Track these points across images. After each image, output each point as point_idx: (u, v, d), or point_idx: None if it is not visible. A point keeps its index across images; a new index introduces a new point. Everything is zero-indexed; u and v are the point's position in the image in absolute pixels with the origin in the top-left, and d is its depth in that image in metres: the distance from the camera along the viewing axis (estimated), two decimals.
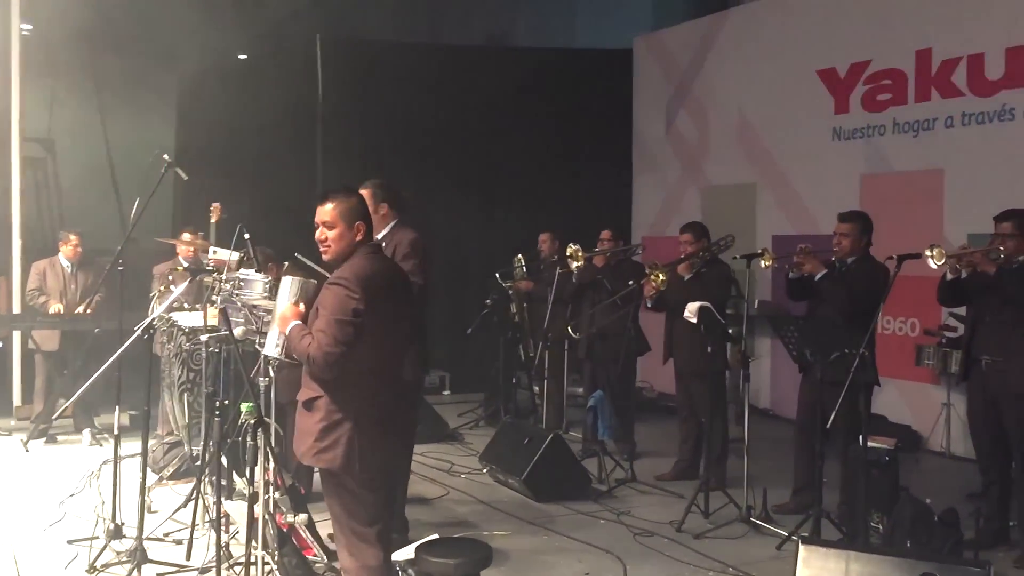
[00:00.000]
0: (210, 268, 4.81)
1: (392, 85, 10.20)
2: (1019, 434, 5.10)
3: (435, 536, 4.74)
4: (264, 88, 9.84)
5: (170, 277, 6.45)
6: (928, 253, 5.06)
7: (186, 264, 6.88)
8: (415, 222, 5.28)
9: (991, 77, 7.39)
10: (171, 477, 5.98)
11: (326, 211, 3.55)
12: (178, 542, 5.02)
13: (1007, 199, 6.17)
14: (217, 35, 9.69)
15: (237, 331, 3.87)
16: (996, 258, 5.09)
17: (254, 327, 4.07)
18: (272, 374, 4.56)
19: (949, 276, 5.24)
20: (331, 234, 3.55)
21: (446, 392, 10.03)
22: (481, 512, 5.98)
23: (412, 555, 4.21)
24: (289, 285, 3.67)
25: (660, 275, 6.21)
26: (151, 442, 5.53)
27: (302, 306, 3.62)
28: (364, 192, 4.71)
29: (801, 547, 4.01)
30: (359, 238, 3.57)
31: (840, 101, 8.64)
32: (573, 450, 6.60)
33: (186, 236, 7.07)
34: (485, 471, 6.74)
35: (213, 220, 6.67)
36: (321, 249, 3.62)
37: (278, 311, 3.68)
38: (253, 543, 3.96)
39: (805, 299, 5.83)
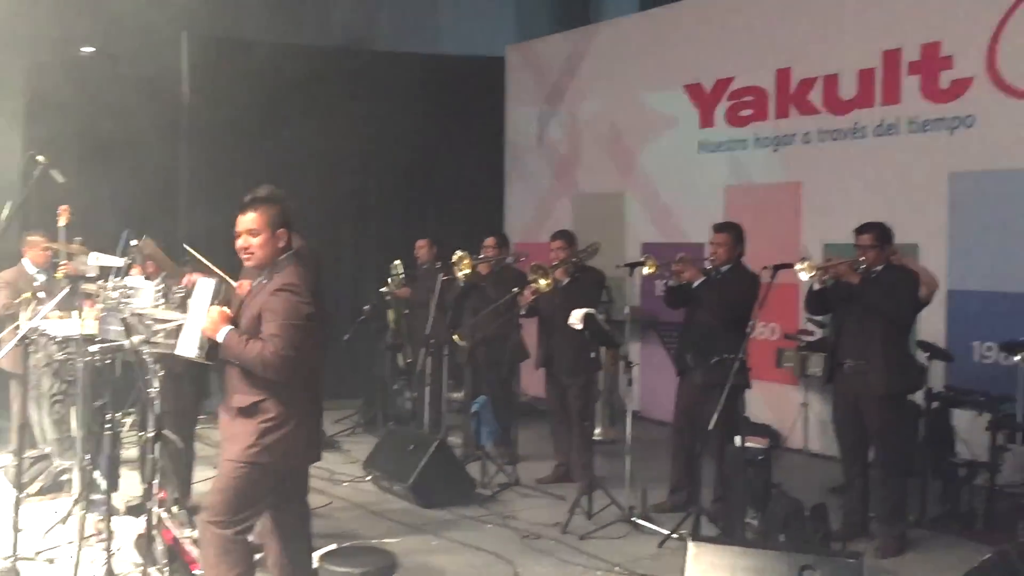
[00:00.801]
0: (91, 276, 4.60)
1: (257, 83, 9.92)
2: (878, 433, 5.47)
3: (333, 546, 4.68)
4: (123, 84, 9.41)
5: (37, 284, 6.10)
6: (798, 265, 5.37)
7: (36, 270, 6.54)
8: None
9: (844, 97, 7.89)
10: (38, 493, 5.66)
11: (250, 219, 3.66)
12: (50, 561, 4.77)
13: (859, 211, 6.62)
14: (69, 26, 9.20)
15: (135, 339, 3.76)
16: (859, 269, 5.45)
17: (143, 336, 3.93)
18: (157, 385, 4.40)
19: (816, 287, 5.56)
20: (255, 241, 3.66)
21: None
22: (367, 520, 5.94)
23: (316, 564, 4.16)
24: (210, 288, 3.70)
25: (543, 279, 6.32)
26: (10, 457, 5.23)
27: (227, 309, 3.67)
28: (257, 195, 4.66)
29: (690, 544, 4.18)
30: (282, 244, 3.69)
31: (705, 115, 9.02)
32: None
33: (34, 238, 6.69)
34: (369, 478, 6.69)
35: (62, 223, 6.34)
36: (244, 256, 3.70)
37: (198, 314, 3.68)
38: (141, 559, 3.84)
39: (683, 306, 6.07)
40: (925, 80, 7.34)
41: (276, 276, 3.65)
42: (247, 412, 3.65)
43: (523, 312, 6.70)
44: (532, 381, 8.94)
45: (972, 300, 7.00)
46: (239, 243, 3.69)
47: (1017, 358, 6.04)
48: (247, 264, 3.73)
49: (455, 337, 7.05)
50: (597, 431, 7.87)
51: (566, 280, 6.59)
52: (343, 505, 6.22)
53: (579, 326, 5.95)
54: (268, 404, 3.64)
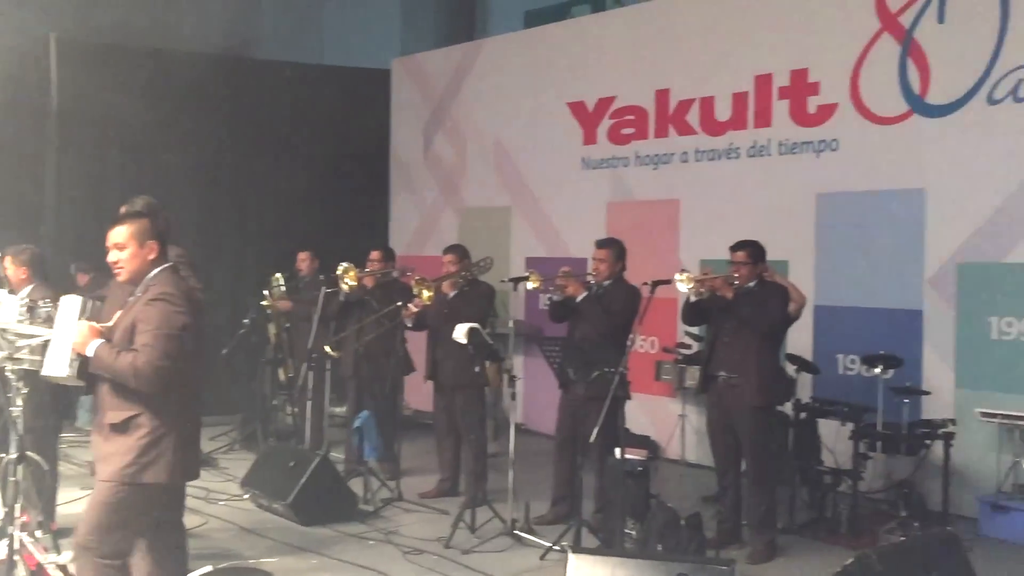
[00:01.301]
0: None
1: (133, 90, 9.60)
2: (750, 443, 5.68)
3: (209, 568, 4.55)
4: None
5: None
6: (678, 277, 5.54)
7: None
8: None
9: (720, 118, 8.19)
10: None
11: (118, 233, 3.64)
12: None
13: (734, 229, 6.87)
14: None
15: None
16: (733, 283, 5.66)
17: (6, 352, 3.77)
18: (20, 404, 4.21)
19: (693, 299, 5.74)
20: (123, 255, 3.63)
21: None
22: (245, 539, 5.80)
23: None
24: (77, 304, 3.62)
25: (426, 291, 6.33)
26: None
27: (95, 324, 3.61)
28: (126, 209, 4.57)
29: (571, 556, 4.24)
30: (151, 257, 3.66)
31: (588, 132, 9.21)
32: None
33: None
34: (246, 496, 6.54)
35: None
36: (115, 271, 3.68)
37: (66, 331, 3.58)
38: None
39: (566, 320, 6.17)
40: (794, 105, 7.69)
41: (151, 287, 3.62)
42: (120, 428, 3.57)
43: (410, 325, 6.68)
44: (416, 395, 8.92)
45: (837, 315, 7.35)
46: (109, 257, 3.69)
47: (877, 370, 6.38)
48: (119, 279, 3.71)
49: (326, 348, 6.97)
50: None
51: (453, 293, 6.60)
52: (220, 525, 6.05)
53: (463, 340, 5.97)
54: (143, 419, 3.56)
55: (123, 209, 4.33)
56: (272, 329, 8.42)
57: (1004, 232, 6.52)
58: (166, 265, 3.71)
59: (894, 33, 7.10)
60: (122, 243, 3.65)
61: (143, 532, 3.71)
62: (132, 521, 3.64)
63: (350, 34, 12.65)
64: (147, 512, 3.66)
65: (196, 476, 3.91)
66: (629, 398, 5.85)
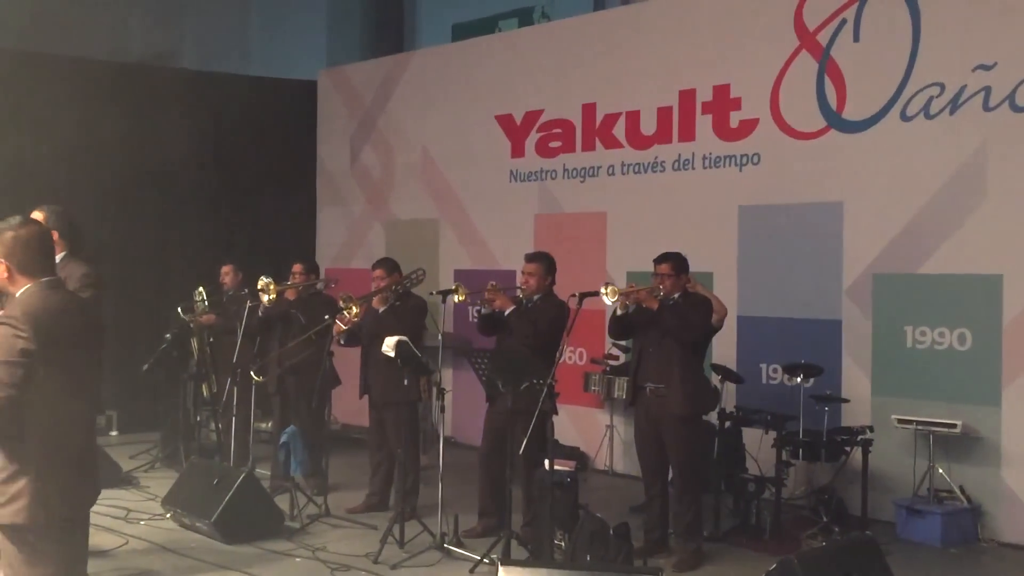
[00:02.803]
0: None
1: (48, 99, 9.33)
2: (676, 452, 5.75)
3: None
4: None
5: None
6: (603, 290, 5.59)
7: None
8: (88, 255, 4.98)
9: (645, 132, 8.32)
10: None
11: None
12: None
13: (659, 241, 6.98)
14: None
15: None
16: (657, 295, 5.73)
17: None
18: None
19: (619, 312, 5.79)
20: None
21: (114, 433, 9.41)
22: (167, 560, 5.65)
23: None
24: None
25: (354, 307, 6.27)
26: None
27: None
28: (39, 216, 4.40)
29: (500, 569, 4.22)
30: (4, 276, 3.34)
31: (516, 145, 9.26)
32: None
33: None
34: (169, 516, 6.37)
35: None
36: None
37: None
38: None
39: (495, 334, 6.17)
40: (716, 120, 7.85)
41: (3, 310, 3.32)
42: None
43: (342, 342, 6.60)
44: (345, 409, 8.82)
45: (759, 325, 7.51)
46: None
47: (798, 379, 6.53)
48: None
49: (252, 374, 6.84)
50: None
51: (383, 308, 6.54)
52: (140, 545, 5.88)
53: (391, 353, 5.93)
54: None
55: (35, 216, 4.10)
56: (195, 344, 8.24)
57: (918, 244, 6.75)
58: (42, 280, 3.36)
59: (812, 51, 7.30)
60: None
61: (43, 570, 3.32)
62: (18, 563, 3.29)
63: (276, 45, 12.52)
64: (12, 556, 3.29)
65: (76, 515, 3.46)
66: (556, 413, 5.86)
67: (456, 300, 6.16)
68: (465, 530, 6.05)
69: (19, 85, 9.13)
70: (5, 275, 3.34)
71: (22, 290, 3.33)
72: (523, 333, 5.94)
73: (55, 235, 4.59)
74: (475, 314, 6.27)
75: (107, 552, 5.68)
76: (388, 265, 6.74)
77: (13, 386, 3.14)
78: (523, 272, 6.19)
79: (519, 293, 6.15)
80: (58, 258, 4.62)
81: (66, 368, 3.31)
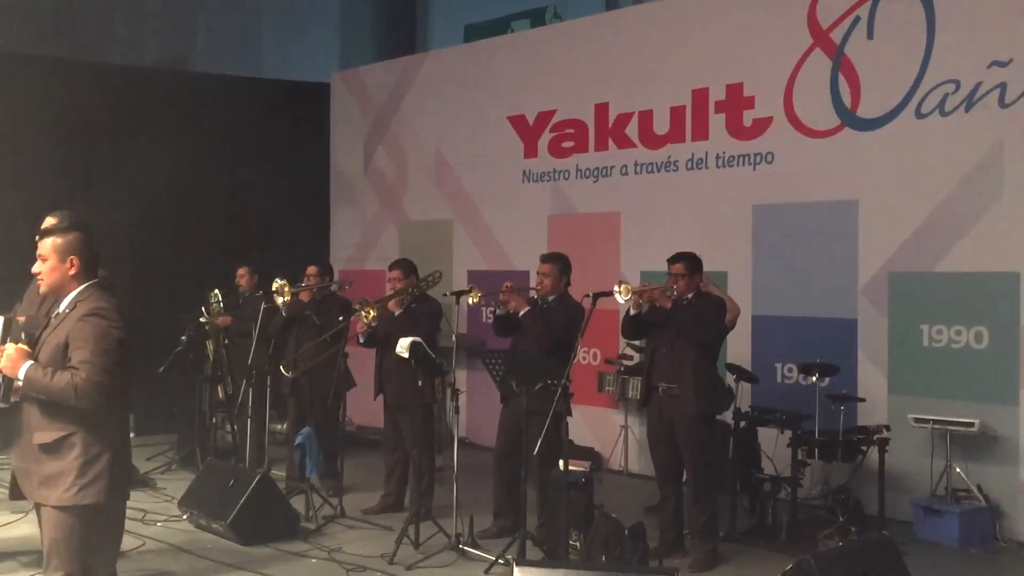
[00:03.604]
0: None
1: (63, 104, 9.39)
2: (690, 452, 5.73)
3: None
4: None
5: None
6: (616, 289, 5.58)
7: None
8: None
9: (658, 132, 8.30)
10: None
11: (42, 245, 3.65)
12: None
13: (673, 240, 6.97)
14: None
15: None
16: (671, 295, 5.72)
17: None
18: None
19: (632, 311, 5.78)
20: (45, 267, 3.63)
21: (131, 434, 9.38)
22: (184, 561, 5.69)
23: None
24: None
25: (371, 311, 6.28)
26: None
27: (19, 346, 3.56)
28: (53, 220, 4.49)
29: (516, 569, 4.23)
30: (72, 272, 3.63)
31: (529, 146, 9.26)
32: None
33: None
34: (185, 517, 6.41)
35: None
36: (38, 282, 3.71)
37: None
38: None
39: (510, 335, 6.17)
40: (730, 118, 7.82)
41: (80, 304, 3.58)
42: (51, 449, 3.50)
43: (362, 341, 6.61)
44: (360, 411, 8.85)
45: (774, 324, 7.48)
46: (34, 268, 3.70)
47: (814, 378, 6.50)
48: (41, 291, 3.74)
49: (281, 368, 6.88)
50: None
51: (399, 311, 6.55)
52: (157, 546, 5.92)
53: (406, 354, 5.94)
54: (75, 439, 3.50)
55: (48, 221, 4.28)
56: (210, 346, 8.28)
57: (934, 242, 6.70)
58: (93, 281, 3.66)
59: (825, 49, 7.27)
60: (45, 255, 3.65)
61: (93, 555, 3.61)
62: (99, 544, 3.60)
63: (289, 47, 12.56)
64: (92, 534, 3.57)
65: (127, 496, 3.81)
66: (570, 414, 5.86)
67: (471, 302, 6.17)
68: (480, 531, 6.05)
69: (32, 90, 9.20)
70: (73, 272, 3.63)
71: (81, 288, 3.62)
72: (538, 334, 5.93)
73: None
74: (489, 315, 6.26)
75: (124, 553, 5.68)
76: (405, 267, 6.75)
77: (108, 372, 3.46)
78: (538, 273, 6.18)
79: (534, 294, 6.15)
80: None
81: (129, 360, 3.63)
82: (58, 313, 3.63)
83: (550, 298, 6.09)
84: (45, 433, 3.51)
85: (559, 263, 6.18)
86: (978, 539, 6.18)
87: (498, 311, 6.15)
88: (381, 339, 6.53)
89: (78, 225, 3.74)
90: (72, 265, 3.62)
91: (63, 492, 3.49)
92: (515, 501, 6.02)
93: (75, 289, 3.63)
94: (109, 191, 9.53)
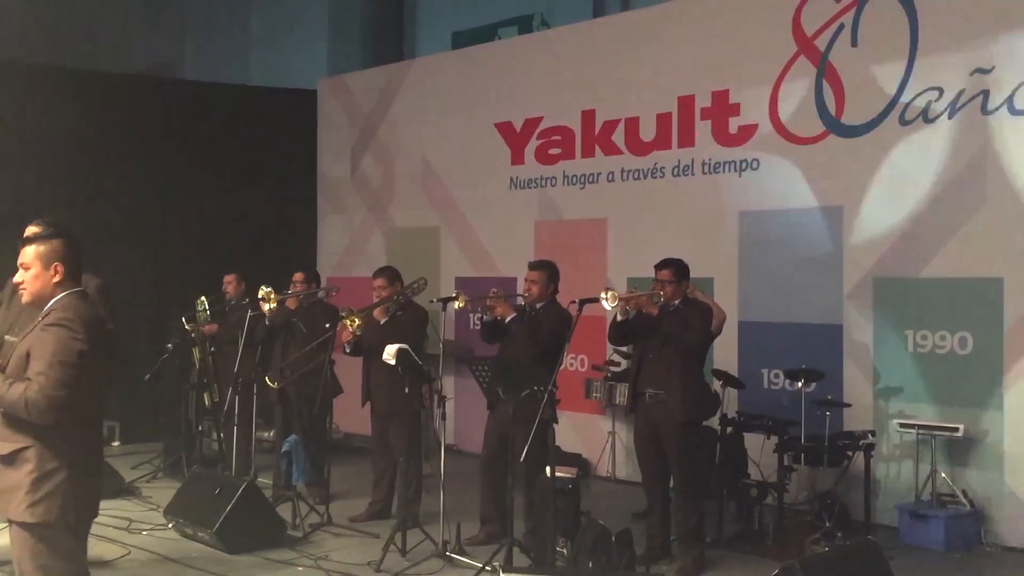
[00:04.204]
0: None
1: (49, 111, 9.36)
2: (677, 458, 5.74)
3: None
4: None
5: None
6: (603, 296, 5.59)
7: None
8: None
9: (645, 139, 8.32)
10: None
11: (25, 253, 3.53)
12: None
13: (660, 247, 6.98)
14: None
15: None
16: (658, 301, 5.74)
17: None
18: None
19: (619, 317, 5.80)
20: (27, 276, 3.51)
21: (116, 443, 9.42)
22: (169, 570, 5.66)
23: None
24: None
25: (356, 320, 6.27)
26: None
27: None
28: (35, 230, 4.44)
29: None
30: (56, 280, 3.52)
31: (516, 153, 9.27)
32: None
33: None
34: (171, 526, 6.37)
35: None
36: (20, 292, 3.59)
37: None
38: None
39: (497, 341, 6.17)
40: (716, 125, 7.86)
41: (52, 312, 3.46)
42: (8, 461, 3.37)
43: (348, 350, 6.60)
44: (347, 418, 8.83)
45: (761, 330, 7.50)
46: (16, 277, 3.58)
47: (800, 384, 6.53)
48: (24, 301, 3.61)
49: (267, 380, 6.85)
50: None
51: (384, 319, 6.54)
52: (142, 556, 5.88)
53: (392, 362, 5.94)
54: (32, 452, 3.35)
55: (31, 229, 4.17)
56: (196, 353, 8.25)
57: (918, 248, 6.74)
58: (73, 290, 3.53)
59: (810, 56, 7.31)
60: (27, 263, 3.52)
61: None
62: (37, 563, 3.39)
63: (276, 54, 12.56)
64: (41, 554, 3.40)
65: (94, 515, 3.63)
66: (556, 422, 5.85)
67: (456, 307, 6.17)
68: (467, 538, 6.04)
69: (20, 97, 9.17)
70: (57, 279, 3.51)
71: (60, 296, 3.50)
72: (524, 341, 5.94)
73: None
74: (476, 321, 6.27)
75: (109, 562, 5.69)
76: (389, 274, 6.74)
77: (67, 386, 3.31)
78: (526, 280, 6.19)
79: (521, 300, 6.16)
80: None
81: (95, 374, 3.48)
82: (36, 321, 3.52)
83: (538, 305, 6.10)
84: (3, 444, 3.38)
85: (547, 270, 6.19)
86: (963, 544, 6.21)
87: (485, 317, 6.15)
88: (367, 347, 6.51)
89: (61, 232, 3.62)
90: (56, 272, 3.50)
91: (16, 506, 3.35)
92: (501, 507, 6.02)
93: (56, 296, 3.51)
94: (95, 199, 9.49)
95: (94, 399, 3.50)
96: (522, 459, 5.29)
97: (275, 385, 6.89)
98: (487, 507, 6.22)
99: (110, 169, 9.70)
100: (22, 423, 3.34)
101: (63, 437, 3.39)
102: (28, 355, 3.39)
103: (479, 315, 6.19)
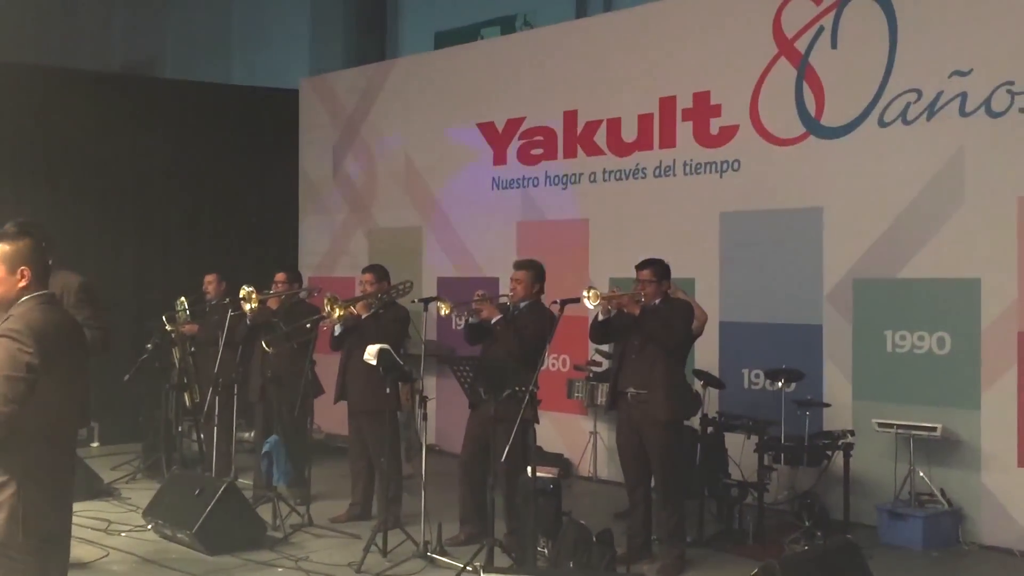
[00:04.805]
0: None
1: (25, 109, 9.28)
2: (659, 458, 5.76)
3: None
4: None
5: None
6: (585, 295, 5.60)
7: None
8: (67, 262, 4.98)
9: (626, 139, 8.34)
10: None
11: None
12: None
13: (641, 247, 7.00)
14: None
15: None
16: (639, 301, 5.75)
17: None
18: None
19: (600, 317, 5.81)
20: None
21: (95, 444, 9.34)
22: (148, 572, 5.63)
23: None
24: None
25: (338, 310, 6.26)
26: None
27: None
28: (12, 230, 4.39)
29: None
30: (22, 284, 3.33)
31: (499, 153, 9.27)
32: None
33: None
34: (150, 527, 6.33)
35: None
36: None
37: None
38: None
39: (481, 342, 6.17)
40: (697, 126, 7.89)
41: (8, 320, 3.29)
42: None
43: (336, 333, 6.56)
44: (328, 418, 8.80)
45: (741, 331, 7.53)
46: None
47: (780, 384, 6.56)
48: None
49: (263, 344, 6.79)
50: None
51: (365, 315, 6.53)
52: (120, 557, 5.83)
53: (373, 361, 5.92)
54: None
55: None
56: (176, 354, 8.20)
57: (897, 249, 6.79)
58: (36, 294, 3.36)
59: (790, 58, 7.35)
60: None
61: None
62: None
63: (258, 53, 12.51)
64: (6, 571, 3.24)
65: (53, 535, 3.38)
66: (538, 422, 5.85)
67: (442, 313, 6.17)
68: (448, 538, 6.04)
69: None
70: (23, 283, 3.33)
71: (21, 301, 3.32)
72: (508, 341, 5.94)
73: None
74: (459, 321, 6.27)
75: (87, 564, 5.64)
76: (378, 272, 6.73)
77: (15, 402, 3.14)
78: (512, 279, 6.20)
79: (506, 300, 6.16)
80: None
81: (59, 384, 3.30)
82: None
83: (521, 305, 6.11)
84: None
85: (533, 270, 6.20)
86: (941, 542, 6.25)
87: (471, 319, 6.15)
88: (345, 342, 6.48)
89: (28, 233, 3.49)
90: (23, 276, 3.33)
91: None
92: (481, 507, 6.03)
93: (20, 300, 3.32)
94: (75, 197, 9.42)
95: (51, 411, 3.29)
96: (503, 459, 5.29)
97: (270, 349, 6.80)
98: (466, 508, 6.22)
99: (89, 168, 9.63)
100: None
101: (12, 453, 3.21)
102: None
103: (462, 316, 6.18)
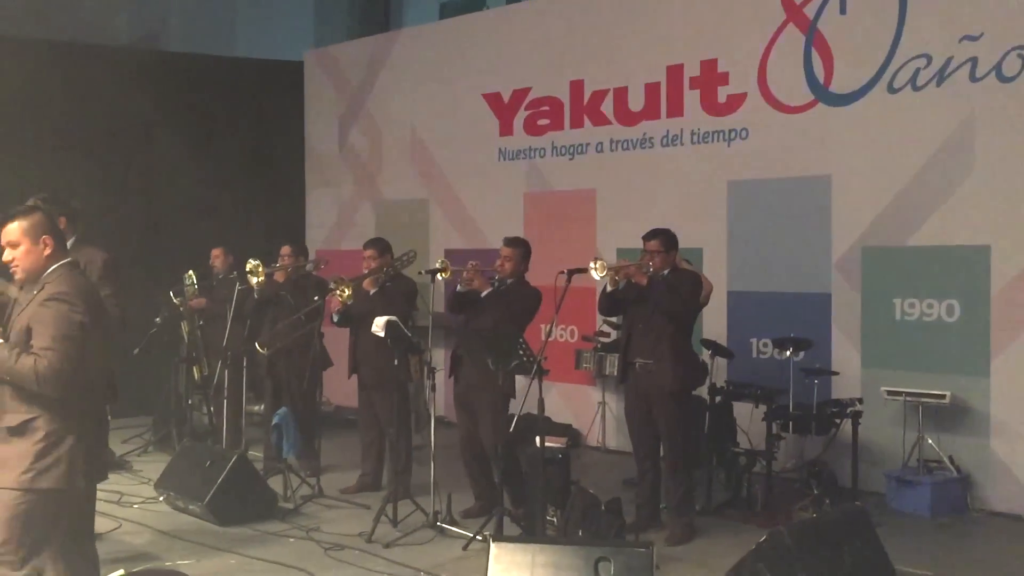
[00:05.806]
0: None
1: (31, 84, 9.25)
2: (667, 428, 5.77)
3: (121, 572, 4.44)
4: None
5: None
6: (592, 266, 5.58)
7: None
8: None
9: (633, 109, 8.29)
10: None
11: (10, 231, 3.58)
12: None
13: (649, 217, 6.99)
14: None
15: None
16: (647, 271, 5.74)
17: None
18: None
19: (608, 288, 5.80)
20: (17, 253, 3.57)
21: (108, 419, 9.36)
22: (160, 542, 5.68)
23: None
24: None
25: (346, 290, 6.26)
26: None
27: None
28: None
29: (492, 545, 4.25)
30: (48, 253, 3.59)
31: (505, 124, 9.22)
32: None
33: None
34: (161, 499, 6.39)
35: None
36: (12, 270, 3.63)
37: None
38: None
39: (464, 312, 6.17)
40: (704, 95, 7.82)
41: (48, 285, 3.56)
42: (18, 432, 3.50)
43: (335, 320, 6.59)
44: (337, 391, 8.83)
45: (749, 300, 7.52)
46: (4, 256, 3.64)
47: (788, 352, 6.55)
48: (16, 279, 3.67)
49: (256, 345, 6.84)
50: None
51: (374, 290, 6.53)
52: (133, 528, 5.90)
53: (381, 333, 5.93)
54: (39, 423, 3.50)
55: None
56: (185, 327, 8.23)
57: (906, 216, 6.75)
58: (64, 261, 3.63)
59: (799, 24, 7.27)
60: (15, 240, 3.59)
61: (52, 540, 3.60)
62: (44, 529, 3.56)
63: (262, 26, 12.43)
64: (51, 519, 3.56)
65: (104, 477, 3.86)
66: (514, 396, 5.87)
67: (443, 278, 6.16)
68: (462, 510, 6.07)
69: (2, 69, 9.06)
70: (48, 252, 3.59)
71: (52, 269, 3.59)
72: (495, 314, 5.93)
73: (63, 221, 4.85)
74: (450, 292, 6.27)
75: (100, 536, 5.67)
76: (380, 245, 6.73)
77: (71, 359, 3.44)
78: (500, 255, 6.19)
79: (496, 275, 6.15)
80: (69, 243, 4.80)
81: (95, 343, 3.59)
82: (32, 293, 3.60)
83: (508, 280, 6.10)
84: (12, 416, 3.52)
85: (521, 248, 6.20)
86: (949, 509, 6.27)
87: (460, 287, 6.14)
88: (355, 318, 6.51)
89: (38, 207, 3.72)
90: (46, 245, 3.59)
91: (20, 475, 3.47)
92: (489, 479, 6.06)
93: (49, 269, 3.59)
94: (80, 172, 9.40)
95: (94, 368, 3.60)
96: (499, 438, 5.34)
97: (265, 351, 6.86)
98: (475, 482, 6.25)
99: (94, 142, 9.61)
100: (31, 394, 3.46)
101: (68, 407, 3.50)
102: (28, 329, 3.48)
103: (455, 286, 6.18)
